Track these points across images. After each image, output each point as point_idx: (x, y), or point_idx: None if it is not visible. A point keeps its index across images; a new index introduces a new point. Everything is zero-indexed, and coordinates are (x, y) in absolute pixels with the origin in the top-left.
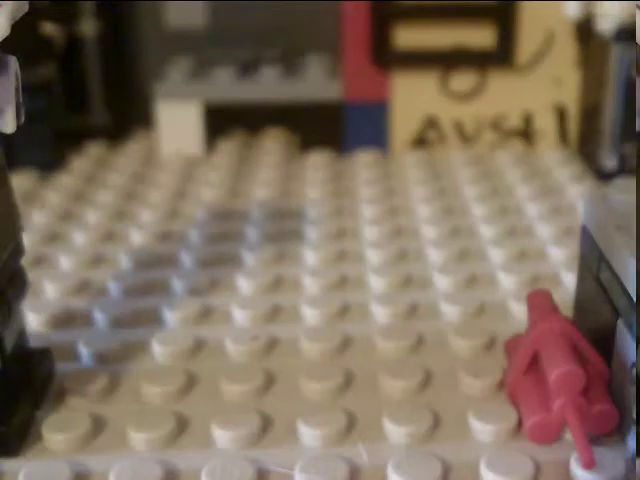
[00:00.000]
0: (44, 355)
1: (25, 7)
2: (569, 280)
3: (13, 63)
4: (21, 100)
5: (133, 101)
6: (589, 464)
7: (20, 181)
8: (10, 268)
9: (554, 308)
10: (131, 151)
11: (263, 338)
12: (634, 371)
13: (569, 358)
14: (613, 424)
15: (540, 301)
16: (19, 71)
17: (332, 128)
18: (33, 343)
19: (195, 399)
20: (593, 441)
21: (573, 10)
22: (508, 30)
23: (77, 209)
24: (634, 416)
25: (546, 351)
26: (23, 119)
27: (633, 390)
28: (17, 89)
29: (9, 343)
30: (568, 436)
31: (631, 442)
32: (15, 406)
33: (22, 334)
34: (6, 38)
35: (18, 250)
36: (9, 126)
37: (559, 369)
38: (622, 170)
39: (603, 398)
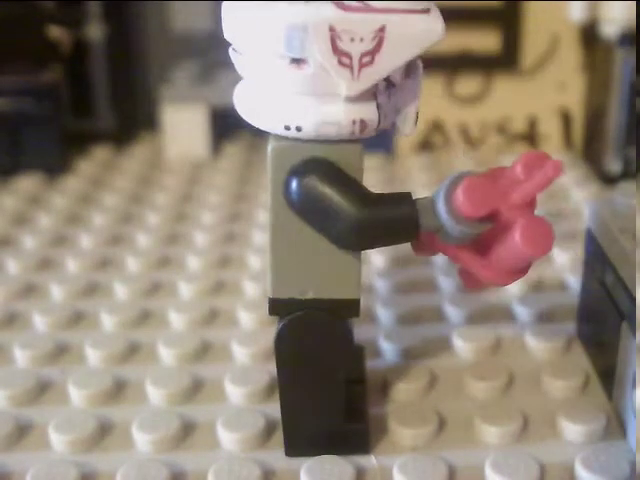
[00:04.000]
0: None
1: None
2: (574, 283)
3: (421, 67)
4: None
5: (139, 104)
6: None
7: (26, 184)
8: None
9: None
10: (137, 154)
11: (269, 340)
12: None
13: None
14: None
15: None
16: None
17: None
18: (41, 345)
19: (201, 401)
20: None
21: (578, 14)
22: (513, 34)
23: (83, 212)
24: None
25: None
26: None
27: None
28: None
29: None
30: (572, 438)
31: (634, 444)
32: None
33: None
34: (12, 41)
35: None
36: (410, 129)
37: None
38: (626, 174)
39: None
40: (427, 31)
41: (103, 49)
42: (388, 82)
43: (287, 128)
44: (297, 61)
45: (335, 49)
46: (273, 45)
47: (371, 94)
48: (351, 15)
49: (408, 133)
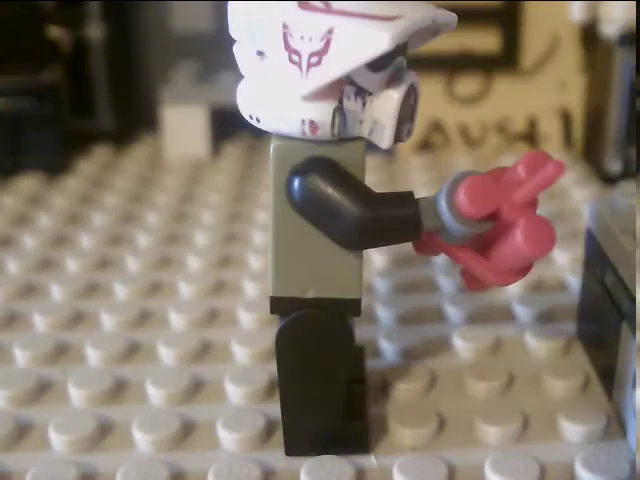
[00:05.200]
0: None
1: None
2: (574, 283)
3: (410, 79)
4: (414, 118)
5: (139, 104)
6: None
7: (27, 184)
8: None
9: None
10: (137, 154)
11: (269, 340)
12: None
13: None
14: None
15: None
16: (417, 86)
17: None
18: (41, 345)
19: (201, 401)
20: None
21: (578, 14)
22: (513, 34)
23: (83, 212)
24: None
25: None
26: (407, 138)
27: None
28: (411, 106)
29: None
30: (572, 438)
31: (634, 444)
32: None
33: None
34: (12, 41)
35: None
36: (385, 143)
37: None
38: (627, 174)
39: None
40: (372, 38)
41: (103, 49)
42: (358, 88)
43: (250, 117)
44: (260, 54)
45: (286, 45)
46: (244, 37)
47: (334, 97)
48: (305, 14)
49: (383, 146)
